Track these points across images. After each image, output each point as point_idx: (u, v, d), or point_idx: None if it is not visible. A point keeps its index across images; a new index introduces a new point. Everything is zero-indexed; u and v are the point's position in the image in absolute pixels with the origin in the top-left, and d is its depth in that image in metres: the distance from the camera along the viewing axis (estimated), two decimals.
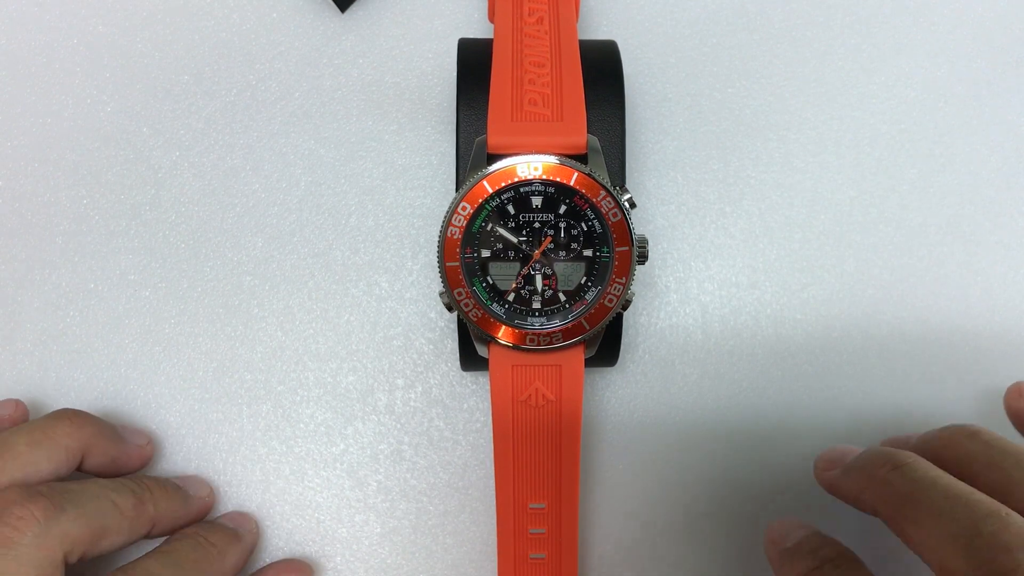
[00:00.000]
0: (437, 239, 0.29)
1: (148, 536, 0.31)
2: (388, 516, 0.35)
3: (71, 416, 0.31)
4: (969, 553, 0.24)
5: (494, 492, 0.31)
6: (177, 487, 0.33)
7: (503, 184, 0.28)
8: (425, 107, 0.37)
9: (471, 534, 0.35)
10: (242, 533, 0.33)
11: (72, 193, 0.36)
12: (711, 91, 0.37)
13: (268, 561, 0.35)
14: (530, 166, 0.28)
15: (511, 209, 0.29)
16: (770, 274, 0.36)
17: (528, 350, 0.29)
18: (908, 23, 0.38)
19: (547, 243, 0.29)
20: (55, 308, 0.36)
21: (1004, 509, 0.25)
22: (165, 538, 0.31)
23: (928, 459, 0.29)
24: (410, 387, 0.35)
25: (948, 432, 0.29)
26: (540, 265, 0.29)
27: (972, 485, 0.27)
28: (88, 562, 0.28)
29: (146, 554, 0.29)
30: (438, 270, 0.29)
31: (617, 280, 0.29)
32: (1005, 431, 0.34)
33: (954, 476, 0.27)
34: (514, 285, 0.29)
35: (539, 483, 0.30)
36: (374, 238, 0.36)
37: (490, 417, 0.33)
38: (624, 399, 0.36)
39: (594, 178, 0.28)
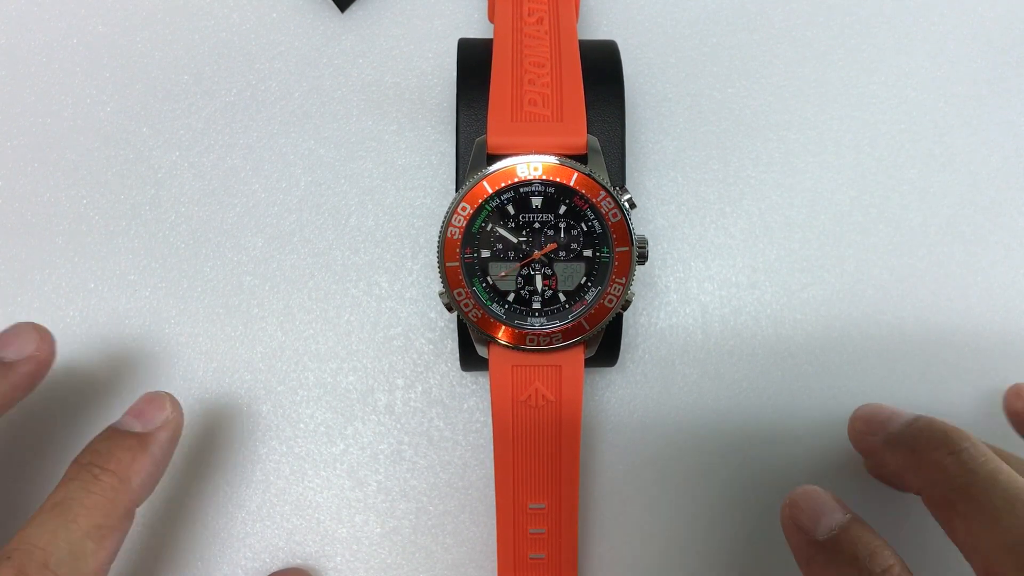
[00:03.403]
0: (437, 239, 0.29)
1: None
2: (388, 516, 0.35)
3: None
4: (1022, 564, 0.22)
5: (494, 492, 0.31)
6: None
7: (503, 184, 0.28)
8: (425, 107, 0.37)
9: (471, 534, 0.35)
10: (151, 431, 0.28)
11: (72, 193, 0.36)
12: (711, 91, 0.37)
13: (269, 562, 0.35)
14: (530, 166, 0.28)
15: (511, 209, 0.29)
16: (770, 274, 0.36)
17: (528, 350, 0.29)
18: (908, 23, 0.38)
19: (550, 248, 0.29)
20: (55, 308, 0.36)
21: None
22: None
23: (902, 460, 0.26)
24: (410, 387, 0.36)
25: (930, 438, 0.26)
26: (540, 265, 0.29)
27: (951, 525, 0.24)
28: None
29: (32, 516, 0.25)
30: (438, 270, 0.29)
31: (617, 280, 0.29)
32: (1005, 431, 0.34)
33: (927, 501, 0.25)
34: (504, 273, 0.29)
35: (539, 483, 0.30)
36: (374, 238, 0.36)
37: (490, 417, 0.33)
38: (624, 399, 0.36)
39: (594, 178, 0.28)
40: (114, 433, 0.28)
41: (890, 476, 0.27)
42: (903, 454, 0.26)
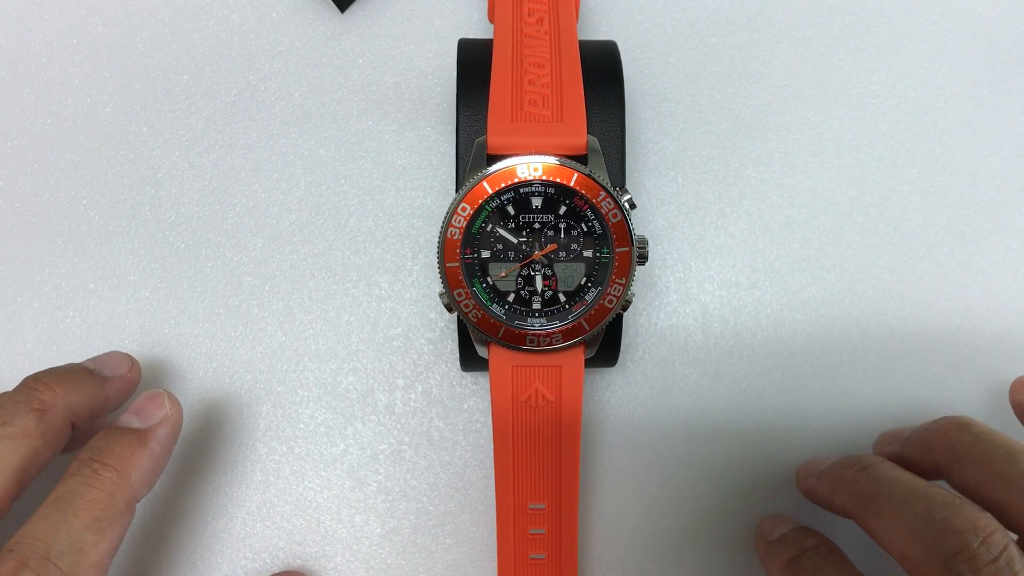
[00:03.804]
0: (437, 239, 0.29)
1: (76, 429, 0.29)
2: (388, 516, 0.35)
3: (43, 391, 0.29)
4: (923, 539, 0.25)
5: (494, 492, 0.31)
6: (87, 372, 0.30)
7: (503, 185, 0.28)
8: (425, 107, 0.37)
9: (471, 534, 0.35)
10: (150, 427, 0.29)
11: (72, 193, 0.36)
12: (711, 91, 0.37)
13: (269, 562, 0.35)
14: (530, 167, 0.28)
15: (511, 210, 0.29)
16: (770, 274, 0.36)
17: (528, 351, 0.29)
18: (908, 23, 0.38)
19: (551, 249, 0.29)
20: (55, 308, 0.36)
21: (958, 498, 0.26)
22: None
23: (920, 450, 0.30)
24: (410, 387, 0.36)
25: (940, 423, 0.30)
26: (540, 266, 0.29)
27: (960, 476, 0.28)
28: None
29: (34, 512, 0.26)
30: (438, 270, 0.29)
31: (617, 281, 0.29)
32: (1007, 431, 0.34)
33: (944, 466, 0.29)
34: (504, 272, 0.29)
35: (539, 484, 0.31)
36: (374, 238, 0.36)
37: (490, 417, 0.33)
38: (624, 399, 0.36)
39: (594, 179, 0.28)
40: (114, 430, 0.29)
41: (827, 506, 0.31)
42: (827, 482, 0.31)
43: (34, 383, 0.29)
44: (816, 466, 0.33)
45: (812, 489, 0.32)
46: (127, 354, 0.32)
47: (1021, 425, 0.33)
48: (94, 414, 0.30)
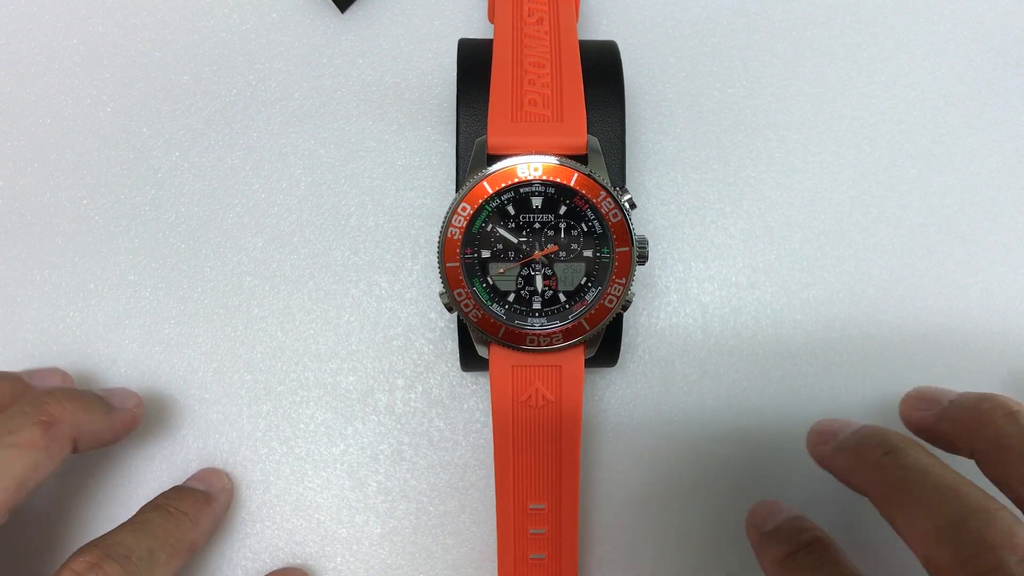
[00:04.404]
0: (437, 239, 0.29)
1: (75, 451, 0.30)
2: (388, 516, 0.35)
3: (54, 407, 0.29)
4: (954, 547, 0.24)
5: (494, 492, 0.31)
6: (97, 398, 0.32)
7: (503, 185, 0.28)
8: (425, 107, 0.37)
9: (471, 534, 0.35)
10: (214, 493, 0.33)
11: (72, 193, 0.36)
12: (711, 91, 0.37)
13: (269, 563, 0.35)
14: (530, 167, 0.28)
15: (511, 210, 0.29)
16: (770, 274, 0.36)
17: (528, 351, 0.29)
18: (908, 23, 0.38)
19: (552, 250, 0.29)
20: (55, 308, 0.36)
21: (994, 504, 0.25)
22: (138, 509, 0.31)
23: (957, 428, 0.28)
24: (410, 387, 0.36)
25: (986, 405, 0.28)
26: (540, 265, 0.29)
27: (1003, 469, 0.26)
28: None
29: (117, 526, 0.29)
30: (438, 270, 0.29)
31: (617, 281, 0.29)
32: None
33: (982, 453, 0.27)
34: (503, 270, 0.29)
35: (539, 484, 0.31)
36: (374, 238, 0.36)
37: (490, 417, 0.33)
38: (624, 399, 0.36)
39: (594, 179, 0.28)
40: (183, 488, 0.33)
41: (843, 481, 0.30)
42: (847, 459, 0.29)
43: (45, 396, 0.30)
44: (833, 430, 0.31)
45: (826, 459, 0.30)
46: (135, 392, 0.34)
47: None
48: (97, 439, 0.31)
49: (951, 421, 0.29)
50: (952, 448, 0.28)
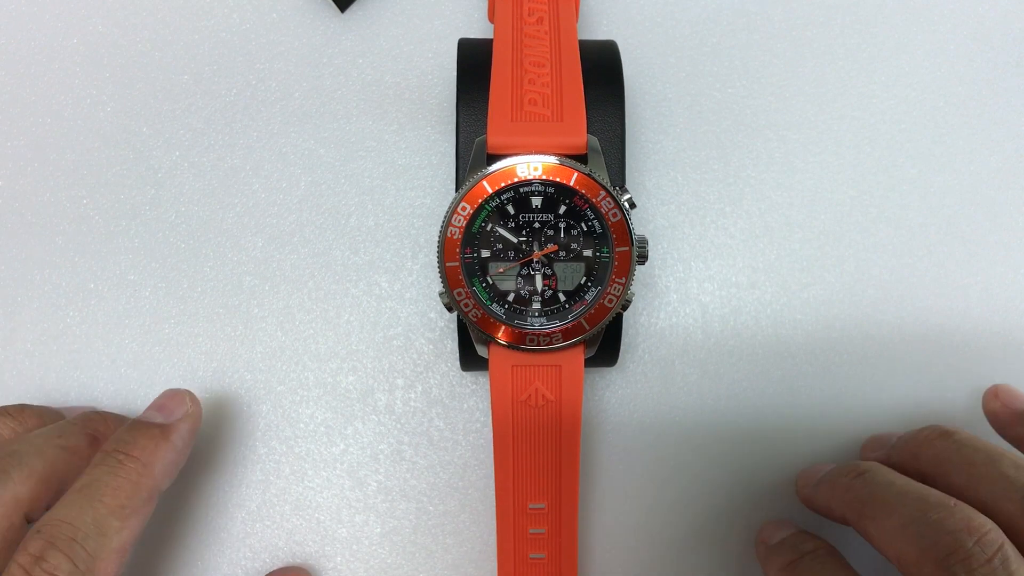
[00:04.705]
0: (437, 239, 0.29)
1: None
2: (388, 516, 0.35)
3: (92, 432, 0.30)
4: (918, 540, 0.26)
5: (494, 492, 0.31)
6: (148, 424, 0.30)
7: (503, 184, 0.28)
8: (425, 107, 0.37)
9: (471, 534, 0.35)
10: (172, 423, 0.30)
11: (72, 193, 0.36)
12: (711, 91, 0.37)
13: (269, 562, 0.35)
14: (530, 166, 0.28)
15: (511, 209, 0.29)
16: (770, 274, 0.36)
17: (528, 350, 0.29)
18: (908, 23, 0.38)
19: (552, 250, 0.29)
20: (55, 308, 0.36)
21: (952, 500, 0.26)
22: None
23: (907, 458, 0.31)
24: (410, 387, 0.36)
25: (924, 433, 0.31)
26: (540, 265, 0.29)
27: (946, 482, 0.28)
28: None
29: (61, 498, 0.27)
30: (438, 270, 0.29)
31: (617, 280, 0.29)
32: None
33: (930, 474, 0.29)
34: (502, 269, 0.29)
35: (539, 483, 0.30)
36: (374, 238, 0.36)
37: (490, 417, 0.33)
38: (624, 399, 0.36)
39: (594, 178, 0.28)
40: (137, 424, 0.30)
41: (826, 513, 0.31)
42: (825, 490, 0.31)
43: (95, 415, 0.31)
44: (814, 474, 0.33)
45: (811, 498, 0.32)
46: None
47: (996, 433, 0.33)
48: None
49: (899, 452, 0.31)
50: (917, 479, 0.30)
